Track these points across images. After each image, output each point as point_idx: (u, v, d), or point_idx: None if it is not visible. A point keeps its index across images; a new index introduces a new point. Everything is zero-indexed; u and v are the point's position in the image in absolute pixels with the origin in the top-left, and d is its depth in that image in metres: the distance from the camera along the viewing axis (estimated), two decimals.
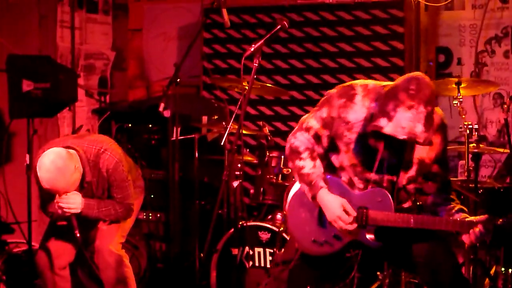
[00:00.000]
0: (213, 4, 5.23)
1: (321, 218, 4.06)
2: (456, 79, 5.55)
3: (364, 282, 5.62)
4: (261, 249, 5.49)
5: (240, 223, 5.33)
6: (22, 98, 5.89)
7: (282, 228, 5.42)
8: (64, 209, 4.73)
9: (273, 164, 5.75)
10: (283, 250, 5.27)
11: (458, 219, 3.89)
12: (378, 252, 4.06)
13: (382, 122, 3.74)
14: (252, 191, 5.90)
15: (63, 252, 5.05)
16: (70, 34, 7.40)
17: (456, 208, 3.99)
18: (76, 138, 4.99)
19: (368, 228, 3.98)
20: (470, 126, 5.43)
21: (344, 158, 4.04)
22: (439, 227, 3.90)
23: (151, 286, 6.15)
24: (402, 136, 3.71)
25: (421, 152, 3.97)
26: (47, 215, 5.00)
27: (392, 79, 6.68)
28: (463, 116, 5.51)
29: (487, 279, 5.52)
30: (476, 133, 5.45)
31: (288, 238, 5.26)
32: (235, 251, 5.34)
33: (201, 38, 7.30)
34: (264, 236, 5.48)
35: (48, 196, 4.79)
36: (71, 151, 4.72)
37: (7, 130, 6.28)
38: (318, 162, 4.06)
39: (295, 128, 4.16)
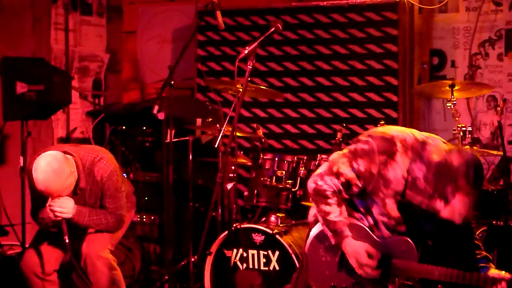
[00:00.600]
0: (207, 7, 5.23)
1: (342, 264, 4.01)
2: (450, 82, 5.56)
3: None
4: (255, 251, 5.49)
5: (234, 225, 5.33)
6: (16, 100, 5.89)
7: (276, 231, 5.42)
8: (56, 213, 4.73)
9: (267, 167, 5.75)
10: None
11: (482, 274, 3.87)
12: None
13: (439, 205, 3.71)
14: (246, 193, 5.89)
15: (51, 257, 5.04)
16: (64, 36, 7.40)
17: (482, 255, 4.01)
18: (72, 145, 5.01)
19: (391, 278, 3.94)
20: (464, 129, 5.44)
21: (375, 210, 3.99)
22: (463, 281, 3.86)
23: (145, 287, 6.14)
24: (458, 221, 3.71)
25: None
26: (37, 222, 5.00)
27: (386, 82, 6.72)
28: (457, 119, 5.52)
29: None
30: (469, 135, 5.46)
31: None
32: (229, 253, 5.34)
33: (195, 40, 7.30)
34: (258, 238, 5.47)
35: (39, 203, 4.79)
36: (68, 156, 4.73)
37: (1, 132, 6.29)
38: (344, 208, 3.96)
39: (323, 168, 4.03)
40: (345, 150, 4.01)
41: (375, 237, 3.98)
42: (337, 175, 3.93)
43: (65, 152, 4.75)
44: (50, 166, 4.56)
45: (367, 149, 3.89)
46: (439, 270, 3.87)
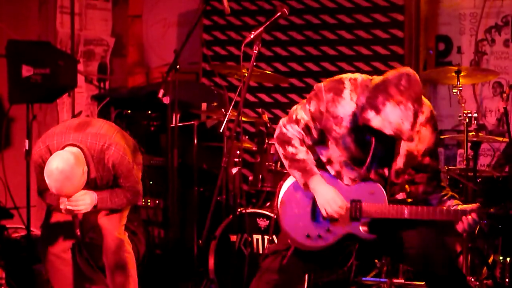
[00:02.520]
0: None
1: (315, 213, 4.06)
2: (455, 68, 5.55)
3: (362, 270, 5.65)
4: (259, 236, 5.50)
5: (239, 210, 5.33)
6: (22, 84, 5.89)
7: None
8: (74, 211, 4.73)
9: (272, 151, 5.75)
10: (276, 240, 5.28)
11: (451, 208, 3.92)
12: (373, 243, 4.07)
13: (370, 114, 3.72)
14: (251, 178, 5.90)
15: (64, 235, 5.06)
16: (70, 20, 7.38)
17: (448, 195, 4.02)
18: (77, 131, 4.81)
19: (362, 221, 3.99)
20: (470, 115, 5.43)
21: (333, 152, 4.03)
22: (433, 217, 3.91)
23: (150, 272, 6.15)
24: (389, 131, 3.70)
25: (410, 144, 3.96)
26: (45, 202, 5.00)
27: (392, 67, 6.69)
28: (463, 105, 5.50)
29: (485, 268, 5.53)
30: (475, 121, 5.45)
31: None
32: (233, 238, 5.35)
33: (201, 24, 7.29)
34: (263, 223, 5.48)
35: (46, 185, 4.78)
36: (76, 150, 4.68)
37: (7, 115, 6.28)
38: (309, 152, 4.07)
39: (285, 119, 4.15)
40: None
41: (342, 183, 4.03)
42: (297, 121, 4.06)
43: (72, 145, 4.73)
44: (64, 174, 4.49)
45: (316, 90, 4.04)
46: (408, 209, 3.91)
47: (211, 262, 5.59)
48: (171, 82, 5.23)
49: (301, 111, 4.06)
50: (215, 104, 6.71)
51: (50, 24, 7.16)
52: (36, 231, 6.22)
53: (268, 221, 5.46)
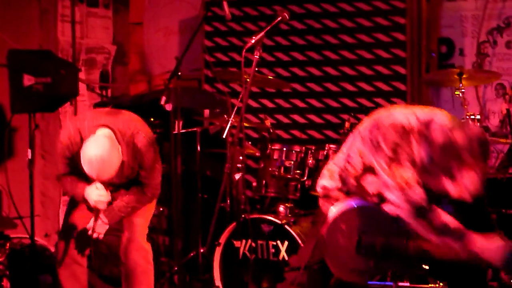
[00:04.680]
0: None
1: (360, 246, 3.98)
2: (458, 70, 5.55)
3: None
4: (263, 242, 5.49)
5: (243, 216, 5.32)
6: (24, 93, 5.89)
7: (285, 221, 5.42)
8: (94, 238, 4.96)
9: (275, 157, 5.74)
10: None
11: None
12: None
13: (447, 184, 3.66)
14: (254, 184, 5.89)
15: (81, 239, 5.09)
16: (71, 28, 7.38)
17: None
18: (108, 115, 4.98)
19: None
20: (473, 117, 5.42)
21: None
22: None
23: (154, 279, 6.14)
24: (469, 199, 3.67)
25: None
26: (63, 188, 5.08)
27: (394, 71, 6.70)
28: (465, 107, 5.50)
29: (490, 270, 5.51)
30: (478, 123, 5.44)
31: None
32: (237, 244, 5.33)
33: (202, 31, 7.29)
34: (267, 228, 5.47)
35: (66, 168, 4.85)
36: (108, 132, 4.73)
37: (9, 125, 6.27)
38: None
39: None
40: None
41: None
42: None
43: (104, 126, 4.75)
44: (103, 160, 4.60)
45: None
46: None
47: (216, 268, 5.58)
48: (173, 89, 5.22)
49: None
50: (217, 110, 6.70)
51: (51, 33, 7.16)
52: (40, 240, 6.21)
53: (273, 227, 5.45)
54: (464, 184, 3.63)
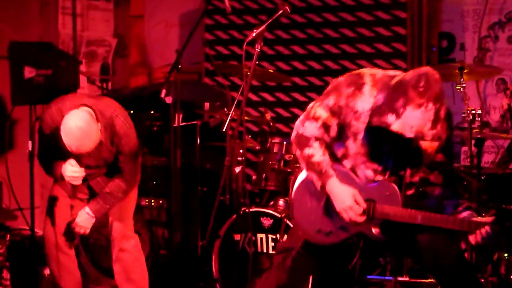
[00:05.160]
0: None
1: (328, 208, 4.00)
2: (459, 65, 5.53)
3: (366, 269, 5.63)
4: (263, 235, 5.49)
5: (242, 209, 5.33)
6: (24, 85, 5.88)
7: (284, 214, 5.42)
8: (81, 233, 5.04)
9: (275, 150, 5.74)
10: (285, 237, 5.26)
11: (466, 218, 3.83)
12: (380, 242, 4.04)
13: (390, 118, 3.67)
14: (254, 177, 5.89)
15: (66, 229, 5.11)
16: (72, 20, 7.38)
17: (464, 205, 3.94)
18: (90, 97, 5.02)
19: (374, 222, 3.94)
20: (473, 112, 5.41)
21: (350, 147, 3.99)
22: (446, 225, 3.83)
23: (154, 272, 6.15)
24: (409, 134, 3.65)
25: (424, 142, 3.92)
26: (44, 167, 5.08)
27: (394, 65, 6.70)
28: (466, 102, 5.49)
29: (489, 265, 5.52)
30: (479, 118, 5.43)
31: (291, 225, 5.26)
32: (237, 237, 5.34)
33: (203, 24, 7.29)
34: (266, 222, 5.47)
35: (48, 149, 4.90)
36: (89, 109, 4.75)
37: (10, 117, 6.27)
38: (327, 152, 4.00)
39: (302, 116, 4.08)
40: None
41: (359, 182, 3.98)
42: (315, 118, 3.99)
43: (85, 105, 4.77)
44: (83, 131, 4.61)
45: (335, 84, 3.98)
46: (422, 215, 3.84)
47: (215, 261, 5.58)
48: (174, 82, 5.22)
49: (319, 108, 3.99)
50: (217, 103, 6.70)
51: (52, 25, 7.16)
52: (40, 232, 6.22)
53: (272, 220, 5.45)
54: (407, 120, 3.63)
